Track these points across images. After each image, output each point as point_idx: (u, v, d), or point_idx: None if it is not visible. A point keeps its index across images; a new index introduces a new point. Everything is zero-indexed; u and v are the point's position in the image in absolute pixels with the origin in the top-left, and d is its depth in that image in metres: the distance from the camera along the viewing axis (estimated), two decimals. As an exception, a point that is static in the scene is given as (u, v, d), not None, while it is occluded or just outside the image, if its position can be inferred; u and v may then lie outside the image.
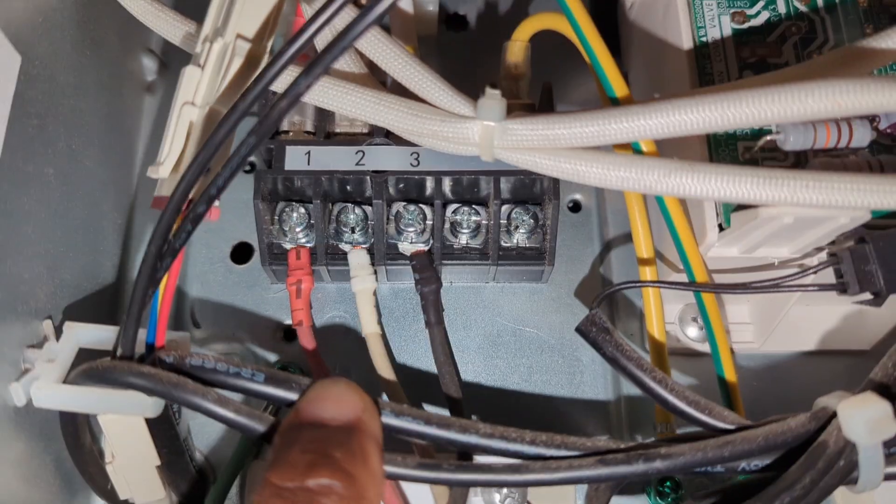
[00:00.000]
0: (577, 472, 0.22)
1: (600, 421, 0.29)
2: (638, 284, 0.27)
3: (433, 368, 0.28)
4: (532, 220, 0.28)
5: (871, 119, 0.25)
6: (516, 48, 0.29)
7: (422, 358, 0.30)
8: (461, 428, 0.23)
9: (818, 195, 0.21)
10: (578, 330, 0.25)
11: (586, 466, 0.22)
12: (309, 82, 0.21)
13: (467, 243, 0.29)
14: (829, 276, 0.25)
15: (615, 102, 0.25)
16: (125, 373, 0.23)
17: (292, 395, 0.22)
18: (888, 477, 0.22)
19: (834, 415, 0.22)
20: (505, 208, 0.28)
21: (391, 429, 0.22)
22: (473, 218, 0.29)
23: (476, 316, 0.31)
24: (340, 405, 0.21)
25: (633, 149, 0.24)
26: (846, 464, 0.21)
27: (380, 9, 0.20)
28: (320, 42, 0.26)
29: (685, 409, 0.23)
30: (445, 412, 0.27)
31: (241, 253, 0.31)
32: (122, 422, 0.24)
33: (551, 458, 0.22)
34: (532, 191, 0.28)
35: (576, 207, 0.33)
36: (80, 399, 0.23)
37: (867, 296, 0.24)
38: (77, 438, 0.25)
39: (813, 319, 0.30)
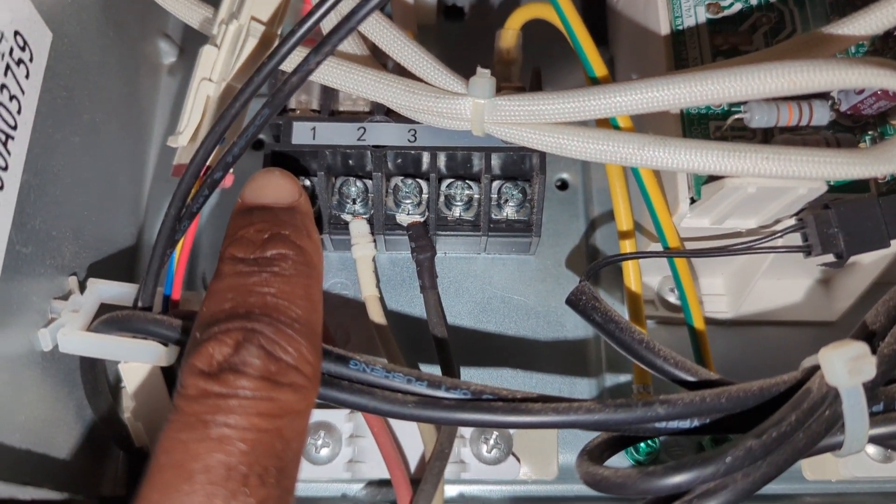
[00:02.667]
0: (577, 414, 0.22)
1: (582, 382, 0.31)
2: (625, 257, 0.29)
3: (427, 330, 0.30)
4: (521, 195, 0.31)
5: (831, 101, 0.27)
6: (508, 35, 0.31)
7: (416, 321, 0.32)
8: (452, 385, 0.23)
9: (777, 166, 0.24)
10: (569, 301, 0.26)
11: (586, 409, 0.22)
12: (318, 59, 0.24)
13: (460, 215, 0.31)
14: (796, 242, 0.27)
15: (595, 82, 0.27)
16: (143, 320, 0.25)
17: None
18: (873, 438, 0.22)
19: (818, 367, 0.22)
20: (495, 183, 0.31)
21: (382, 386, 0.23)
22: (466, 192, 0.31)
23: (468, 284, 0.33)
24: (280, 190, 0.24)
25: (611, 125, 0.26)
26: (831, 414, 0.21)
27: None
28: (326, 26, 0.28)
29: (670, 370, 0.24)
30: (437, 369, 0.29)
31: (249, 224, 0.34)
32: (141, 370, 0.26)
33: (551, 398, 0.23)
34: (521, 167, 0.30)
35: (563, 186, 0.35)
36: (102, 346, 0.25)
37: (830, 258, 0.26)
38: (96, 386, 0.28)
39: (782, 292, 0.32)
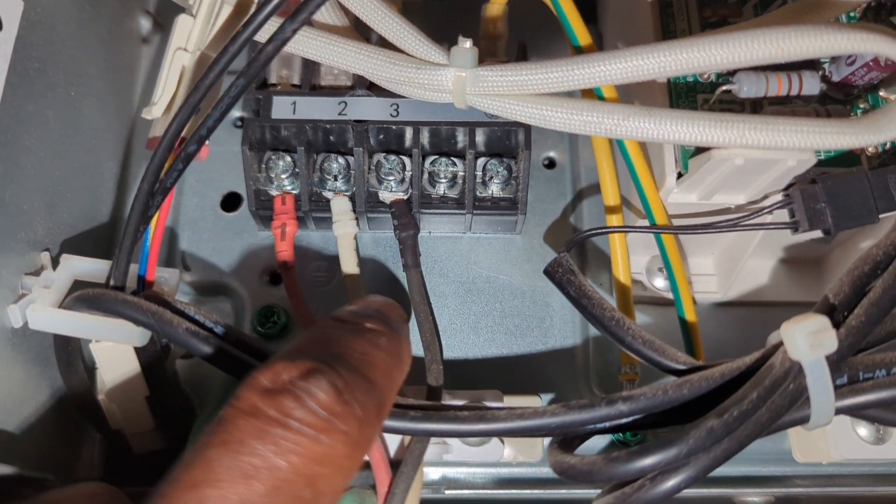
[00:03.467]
0: (542, 419, 0.23)
1: (568, 362, 0.31)
2: (607, 230, 0.28)
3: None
4: (506, 172, 0.30)
5: (822, 72, 0.26)
6: (494, 9, 0.31)
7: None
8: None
9: (765, 136, 0.23)
10: (546, 272, 0.26)
11: (551, 413, 0.23)
12: (295, 27, 0.23)
13: (444, 193, 0.30)
14: (783, 218, 0.26)
15: (580, 52, 0.26)
16: (114, 301, 0.24)
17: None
18: (840, 410, 0.22)
19: (781, 343, 0.22)
20: (480, 160, 0.30)
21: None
22: (450, 169, 0.30)
23: (452, 264, 0.32)
24: (393, 308, 0.24)
25: (596, 96, 0.26)
26: (795, 388, 0.21)
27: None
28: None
29: (640, 348, 0.24)
30: (419, 352, 0.29)
31: (230, 202, 0.33)
32: (114, 350, 0.26)
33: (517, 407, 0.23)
34: (506, 143, 0.30)
35: (550, 164, 0.34)
36: (73, 323, 0.24)
37: (818, 233, 0.25)
38: (70, 365, 0.27)
39: (773, 272, 0.32)
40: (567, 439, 0.24)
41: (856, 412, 0.23)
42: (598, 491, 0.29)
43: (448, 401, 0.27)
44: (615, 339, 0.25)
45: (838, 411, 0.22)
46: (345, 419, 0.18)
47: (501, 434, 0.23)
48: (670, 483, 0.21)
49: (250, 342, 0.24)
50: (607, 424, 0.23)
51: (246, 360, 0.24)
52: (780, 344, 0.22)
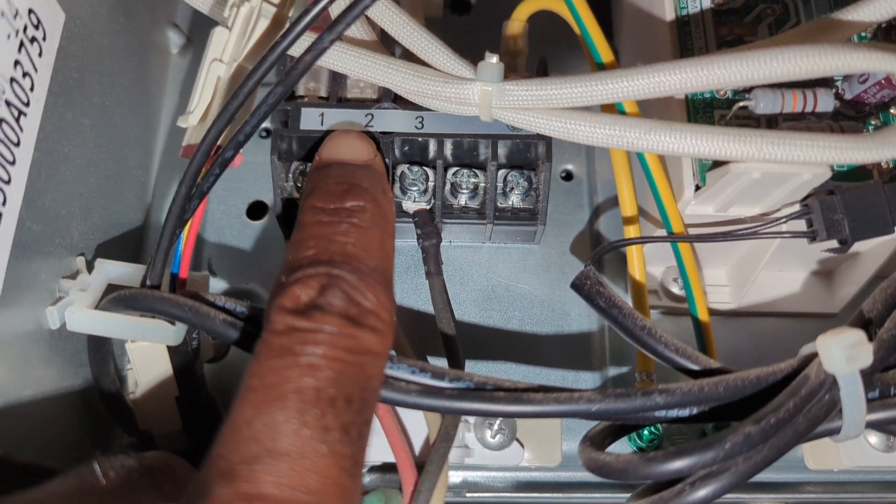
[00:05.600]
0: (577, 404, 0.23)
1: (586, 369, 0.31)
2: (630, 242, 0.29)
3: (432, 318, 0.30)
4: (526, 183, 0.31)
5: (835, 90, 0.27)
6: (515, 26, 0.32)
7: (422, 309, 0.32)
8: (455, 377, 0.23)
9: (782, 151, 0.24)
10: (574, 285, 0.26)
11: (587, 399, 0.23)
12: (332, 38, 0.24)
13: (466, 203, 0.31)
14: (801, 228, 0.27)
15: (602, 69, 0.27)
16: (151, 298, 0.25)
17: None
18: (870, 423, 0.23)
19: (815, 355, 0.22)
20: (501, 172, 0.31)
21: (387, 376, 0.23)
22: (472, 180, 0.31)
23: (473, 273, 0.33)
24: (356, 149, 0.26)
25: (617, 111, 0.27)
26: (829, 399, 0.22)
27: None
28: (334, 11, 0.28)
29: (671, 356, 0.25)
30: (443, 359, 0.30)
31: (256, 210, 0.34)
32: (148, 350, 0.27)
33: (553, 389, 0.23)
34: (527, 156, 0.30)
35: (568, 177, 0.35)
36: (110, 324, 0.25)
37: (834, 243, 0.26)
38: (103, 366, 0.28)
39: (785, 283, 0.32)
40: (597, 438, 0.24)
41: (884, 426, 0.23)
42: (613, 496, 0.30)
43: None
44: (646, 348, 0.25)
45: (868, 425, 0.23)
46: (364, 316, 0.21)
47: (536, 416, 0.23)
48: (710, 489, 0.22)
49: None
50: (641, 415, 0.23)
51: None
52: (815, 355, 0.23)
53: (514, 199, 0.31)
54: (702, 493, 0.22)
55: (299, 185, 0.31)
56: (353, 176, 0.25)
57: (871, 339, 0.22)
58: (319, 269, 0.22)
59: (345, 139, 0.27)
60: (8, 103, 0.23)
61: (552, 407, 0.23)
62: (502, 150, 0.30)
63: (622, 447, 0.30)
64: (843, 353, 0.22)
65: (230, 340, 0.24)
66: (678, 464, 0.22)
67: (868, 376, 0.22)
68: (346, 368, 0.20)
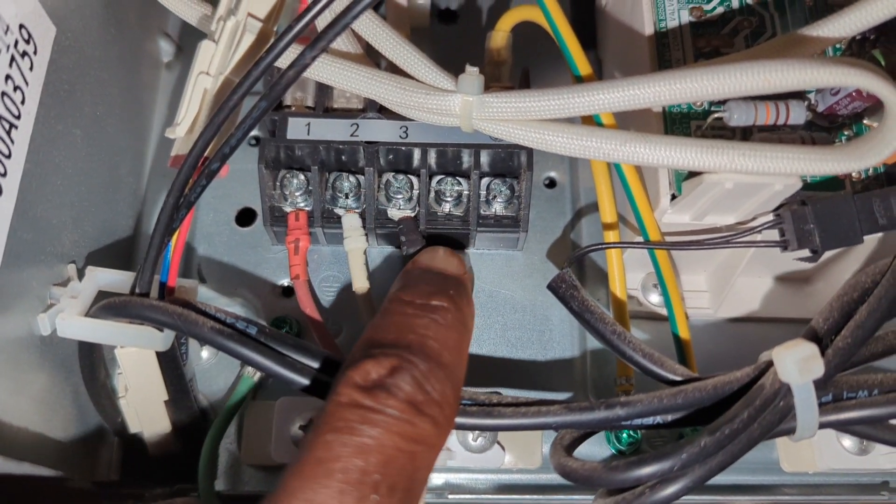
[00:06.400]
0: (545, 417, 0.25)
1: (566, 374, 0.32)
2: (606, 246, 0.29)
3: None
4: (509, 191, 0.31)
5: (808, 101, 0.28)
6: (499, 37, 0.32)
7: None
8: None
9: (753, 162, 0.24)
10: (550, 287, 0.27)
11: (553, 413, 0.25)
12: (314, 54, 0.25)
13: (450, 211, 0.32)
14: (774, 237, 0.28)
15: (580, 81, 0.28)
16: (140, 306, 0.26)
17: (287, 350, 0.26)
18: (824, 425, 0.24)
19: (772, 363, 0.24)
20: (484, 180, 0.32)
21: None
22: (456, 188, 0.32)
23: (457, 279, 0.34)
24: (449, 262, 0.28)
25: (595, 122, 0.27)
26: (784, 405, 0.23)
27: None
28: (320, 24, 0.29)
29: (640, 360, 0.26)
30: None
31: (244, 217, 0.34)
32: (137, 356, 0.27)
33: (522, 403, 0.25)
34: (509, 164, 0.31)
35: (551, 184, 0.36)
36: (100, 331, 0.26)
37: (805, 252, 0.27)
38: (93, 372, 0.28)
39: (761, 290, 0.33)
40: (567, 439, 0.25)
41: (839, 427, 0.25)
42: (592, 498, 0.31)
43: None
44: (616, 351, 0.26)
45: (822, 426, 0.24)
46: (428, 405, 0.22)
47: (505, 429, 0.26)
48: (669, 491, 0.23)
49: (271, 333, 0.26)
50: (605, 425, 0.25)
51: (268, 350, 0.25)
52: (771, 363, 0.24)
53: (497, 207, 0.32)
54: (662, 494, 0.23)
55: (286, 192, 0.31)
56: (443, 281, 0.26)
57: (825, 348, 0.24)
58: (395, 351, 0.22)
59: (440, 253, 0.28)
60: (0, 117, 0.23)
61: (521, 420, 0.24)
62: (485, 159, 0.31)
63: (602, 449, 0.31)
64: (797, 366, 0.23)
65: (219, 348, 0.25)
66: (638, 473, 0.23)
67: (822, 383, 0.23)
68: (397, 455, 0.21)
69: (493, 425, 0.25)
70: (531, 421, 0.25)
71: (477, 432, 0.29)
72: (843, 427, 0.25)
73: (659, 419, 0.24)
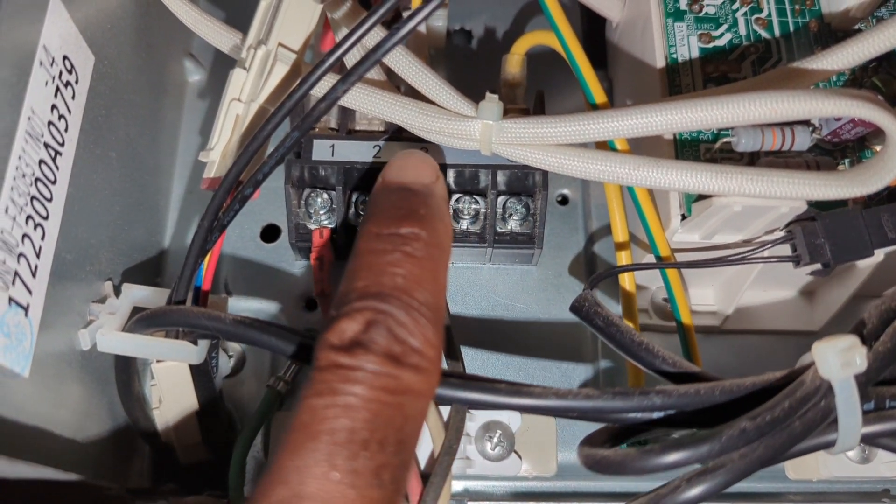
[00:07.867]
0: (577, 400, 0.23)
1: (579, 384, 0.33)
2: (624, 269, 0.30)
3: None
4: (524, 209, 0.33)
5: (812, 127, 0.29)
6: (514, 60, 0.34)
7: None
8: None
9: (760, 186, 0.26)
10: (573, 308, 0.28)
11: (586, 396, 0.24)
12: (345, 88, 0.26)
13: (467, 228, 0.33)
14: (785, 252, 0.28)
15: (595, 108, 0.29)
16: (179, 313, 0.27)
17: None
18: (866, 437, 0.23)
19: (812, 363, 0.23)
20: (501, 198, 0.33)
21: None
22: (473, 206, 0.33)
23: (473, 293, 0.35)
24: (418, 172, 0.26)
25: (609, 147, 0.29)
26: (825, 405, 0.22)
27: (405, 30, 0.24)
28: (349, 58, 0.30)
29: (669, 370, 0.26)
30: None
31: (269, 233, 0.36)
32: (172, 369, 0.28)
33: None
34: (525, 183, 0.32)
35: (564, 201, 0.37)
36: (137, 345, 0.27)
37: (817, 266, 0.28)
38: (128, 385, 0.30)
39: (768, 303, 0.34)
40: (595, 439, 0.25)
41: (879, 439, 0.24)
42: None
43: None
44: (644, 364, 0.26)
45: (863, 438, 0.23)
46: (407, 355, 0.21)
47: (536, 410, 0.24)
48: (706, 486, 0.22)
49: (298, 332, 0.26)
50: (638, 415, 0.24)
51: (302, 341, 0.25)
52: (810, 365, 0.23)
53: (513, 224, 0.33)
54: (697, 490, 0.22)
55: (311, 211, 0.32)
56: (412, 200, 0.25)
57: (868, 349, 0.22)
58: (367, 303, 0.22)
59: (408, 161, 0.26)
60: (46, 145, 0.25)
61: (552, 401, 0.24)
62: (501, 179, 0.32)
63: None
64: (838, 358, 0.22)
65: (258, 345, 0.25)
66: (674, 456, 0.22)
67: (863, 385, 0.22)
68: (383, 409, 0.20)
69: (522, 405, 0.24)
70: (562, 403, 0.24)
71: (496, 441, 0.30)
72: (883, 439, 0.24)
73: (690, 412, 0.23)
